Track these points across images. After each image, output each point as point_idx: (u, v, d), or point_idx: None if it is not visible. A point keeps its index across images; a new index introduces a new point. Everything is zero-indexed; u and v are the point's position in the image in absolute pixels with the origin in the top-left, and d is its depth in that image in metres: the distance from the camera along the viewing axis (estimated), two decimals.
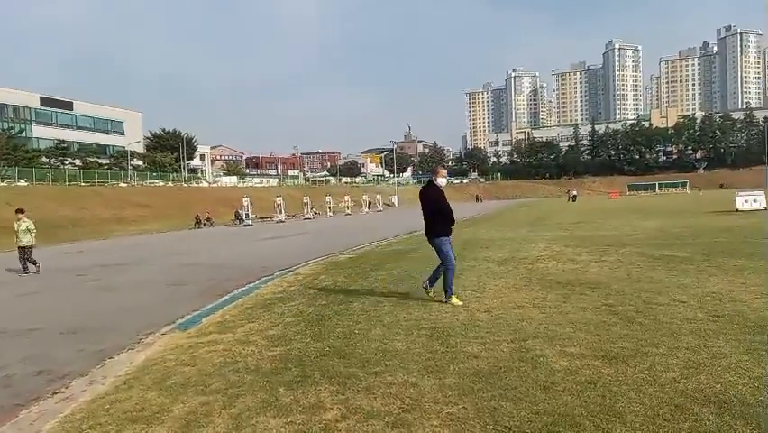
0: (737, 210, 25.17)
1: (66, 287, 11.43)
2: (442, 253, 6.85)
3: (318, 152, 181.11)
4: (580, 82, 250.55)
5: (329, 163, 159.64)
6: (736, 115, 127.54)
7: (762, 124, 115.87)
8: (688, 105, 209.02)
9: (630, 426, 3.11)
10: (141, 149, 78.77)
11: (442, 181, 7.09)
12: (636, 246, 12.37)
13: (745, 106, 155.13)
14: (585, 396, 3.58)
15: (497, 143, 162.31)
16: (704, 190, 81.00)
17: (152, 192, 53.21)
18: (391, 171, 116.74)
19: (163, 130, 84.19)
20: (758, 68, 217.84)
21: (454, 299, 6.82)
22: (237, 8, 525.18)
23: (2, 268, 15.81)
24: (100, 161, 70.02)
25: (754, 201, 26.07)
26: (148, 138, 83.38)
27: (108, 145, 77.72)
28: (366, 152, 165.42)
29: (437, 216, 6.92)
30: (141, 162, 74.22)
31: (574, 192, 69.30)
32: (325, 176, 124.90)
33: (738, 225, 17.11)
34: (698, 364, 4.08)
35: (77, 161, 66.53)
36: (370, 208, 61.85)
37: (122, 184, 58.22)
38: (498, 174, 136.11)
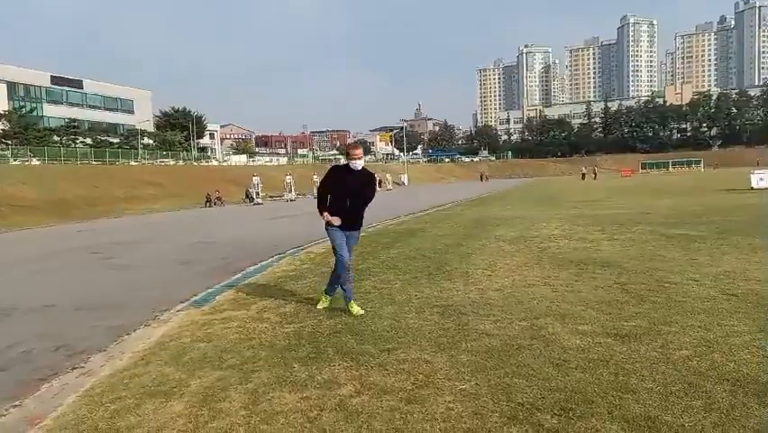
0: (752, 188, 24.88)
1: (80, 265, 11.57)
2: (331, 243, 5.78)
3: (327, 131, 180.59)
4: (594, 58, 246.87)
5: (338, 142, 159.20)
6: (752, 92, 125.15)
7: None
8: (704, 81, 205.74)
9: (643, 403, 3.13)
10: (150, 127, 78.93)
11: (357, 164, 5.61)
12: (649, 225, 12.30)
13: (762, 83, 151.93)
14: (597, 373, 3.60)
15: (508, 121, 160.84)
16: (719, 168, 79.97)
17: (163, 171, 53.42)
18: (401, 150, 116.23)
19: (173, 108, 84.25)
20: None
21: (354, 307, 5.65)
22: None
23: (18, 246, 16.04)
24: (111, 139, 70.32)
25: None
26: (158, 117, 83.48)
27: (118, 124, 77.92)
28: (375, 130, 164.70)
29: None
30: (151, 141, 74.43)
31: (592, 171, 68.76)
32: (335, 155, 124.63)
33: (752, 204, 16.93)
34: (711, 343, 4.08)
35: (88, 140, 66.83)
36: (380, 186, 61.77)
37: (132, 163, 58.48)
38: (509, 152, 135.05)
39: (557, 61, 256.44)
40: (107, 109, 78.21)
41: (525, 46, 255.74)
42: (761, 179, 25.77)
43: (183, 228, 20.37)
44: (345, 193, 5.63)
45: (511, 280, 6.82)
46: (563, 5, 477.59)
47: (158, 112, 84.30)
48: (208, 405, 3.45)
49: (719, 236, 9.82)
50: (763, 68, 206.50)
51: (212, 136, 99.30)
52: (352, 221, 5.73)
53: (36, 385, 4.09)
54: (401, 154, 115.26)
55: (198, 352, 4.60)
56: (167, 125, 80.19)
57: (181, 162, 66.58)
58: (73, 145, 62.27)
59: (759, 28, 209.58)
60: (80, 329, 5.86)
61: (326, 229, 5.75)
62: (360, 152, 5.72)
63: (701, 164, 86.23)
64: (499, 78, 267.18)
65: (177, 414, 3.35)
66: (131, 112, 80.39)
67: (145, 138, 73.42)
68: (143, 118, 76.93)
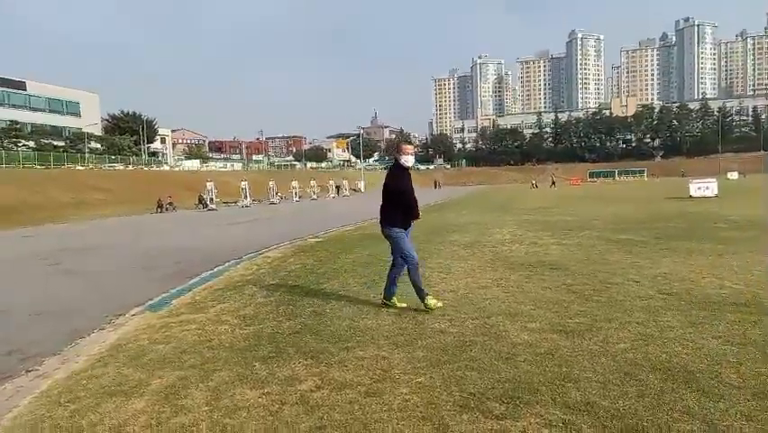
0: (691, 197, 26.27)
1: (29, 271, 11.19)
2: (397, 248, 5.65)
3: (283, 137, 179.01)
4: (545, 70, 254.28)
5: (294, 148, 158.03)
6: (692, 105, 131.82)
7: (716, 114, 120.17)
8: (647, 94, 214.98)
9: (583, 390, 3.38)
10: (98, 131, 76.31)
11: (407, 160, 5.69)
12: (595, 230, 12.88)
13: (701, 96, 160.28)
14: (543, 365, 3.85)
15: (462, 130, 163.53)
16: (660, 177, 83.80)
17: (112, 176, 51.83)
18: (358, 157, 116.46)
19: (122, 112, 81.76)
20: (714, 59, 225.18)
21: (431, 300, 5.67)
22: None
23: None
24: (55, 143, 67.48)
25: (707, 188, 27.24)
26: (106, 120, 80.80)
27: (64, 127, 74.79)
28: (332, 137, 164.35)
29: (393, 202, 5.66)
30: (99, 145, 71.93)
31: (551, 179, 70.71)
32: (291, 161, 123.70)
33: (691, 211, 17.90)
34: (647, 337, 4.41)
35: (32, 143, 64.03)
36: (338, 193, 61.77)
37: (79, 167, 56.40)
38: (464, 161, 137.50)
39: (509, 73, 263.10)
40: (52, 112, 74.99)
41: (479, 57, 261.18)
42: (698, 188, 27.25)
43: (135, 234, 19.87)
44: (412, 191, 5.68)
45: (465, 283, 7.07)
46: (516, 18, 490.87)
47: (106, 115, 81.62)
48: (170, 402, 3.50)
49: (659, 241, 10.41)
50: (702, 82, 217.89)
51: (163, 141, 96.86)
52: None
53: None
54: (358, 161, 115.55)
55: (157, 353, 4.61)
56: (116, 129, 77.72)
57: (131, 167, 64.69)
58: (15, 149, 59.52)
59: (698, 45, 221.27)
60: (33, 334, 5.74)
61: (394, 237, 5.64)
62: (412, 147, 5.90)
63: (645, 174, 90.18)
64: (455, 88, 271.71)
65: (138, 411, 3.39)
66: (77, 115, 77.44)
67: (93, 142, 70.91)
68: (91, 121, 74.26)
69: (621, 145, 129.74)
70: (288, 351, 4.47)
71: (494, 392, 3.41)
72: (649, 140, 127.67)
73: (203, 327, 5.38)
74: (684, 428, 2.86)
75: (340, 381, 3.74)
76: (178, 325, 5.57)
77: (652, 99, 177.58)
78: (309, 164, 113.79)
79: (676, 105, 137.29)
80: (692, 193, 26.85)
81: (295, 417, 3.20)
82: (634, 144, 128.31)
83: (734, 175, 69.37)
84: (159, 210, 38.38)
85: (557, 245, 10.47)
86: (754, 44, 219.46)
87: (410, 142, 5.91)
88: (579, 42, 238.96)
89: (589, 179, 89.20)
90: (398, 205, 5.64)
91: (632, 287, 6.35)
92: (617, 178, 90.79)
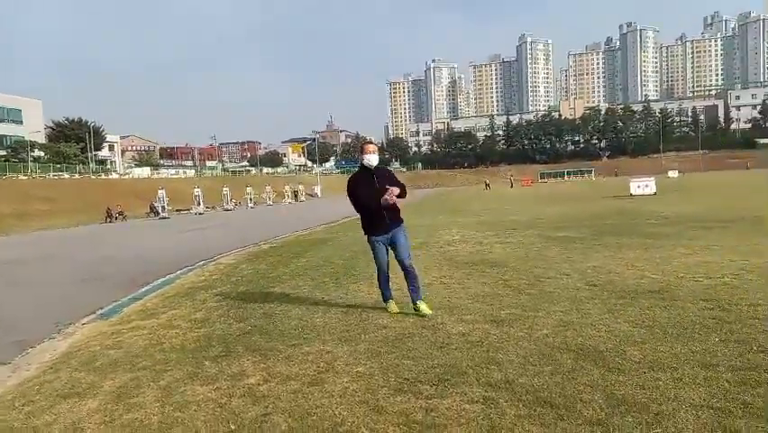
0: (631, 195, 27.62)
1: None
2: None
3: (237, 142, 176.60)
4: (496, 74, 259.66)
5: (249, 153, 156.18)
6: (635, 107, 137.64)
7: (658, 115, 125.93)
8: (594, 96, 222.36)
9: (504, 371, 3.77)
10: (42, 139, 73.48)
11: (369, 159, 5.47)
12: (538, 229, 13.53)
13: (644, 99, 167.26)
14: (472, 352, 4.23)
15: (417, 133, 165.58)
16: (606, 177, 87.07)
17: (57, 185, 50.04)
18: (314, 161, 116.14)
19: (67, 119, 78.90)
20: (656, 62, 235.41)
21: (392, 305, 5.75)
22: None
23: None
24: None
25: (646, 186, 28.72)
26: (50, 128, 77.85)
27: (5, 135, 71.79)
28: (287, 141, 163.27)
29: (355, 207, 5.65)
30: (42, 153, 69.28)
31: (509, 180, 72.52)
32: (245, 166, 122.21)
33: (629, 209, 18.92)
34: (567, 323, 4.86)
35: None
36: (296, 199, 61.52)
37: (21, 177, 54.24)
38: (419, 164, 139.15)
39: (462, 76, 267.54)
40: None
41: (433, 61, 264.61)
42: (638, 187, 28.69)
43: (83, 245, 19.45)
44: (374, 194, 5.37)
45: None
46: (468, 23, 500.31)
47: (50, 122, 78.64)
48: (123, 401, 3.70)
49: (594, 237, 11.09)
50: (645, 85, 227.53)
51: (111, 148, 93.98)
52: (392, 217, 5.55)
53: None
54: (314, 166, 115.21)
55: (109, 358, 4.77)
56: (60, 137, 74.98)
57: (77, 176, 62.60)
58: None
59: (640, 49, 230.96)
60: None
61: (369, 245, 5.67)
62: (373, 146, 5.60)
63: (593, 173, 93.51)
64: (409, 91, 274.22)
65: (92, 410, 3.57)
66: (19, 122, 74.35)
67: (36, 150, 68.22)
68: (33, 129, 71.47)
69: (570, 147, 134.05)
70: (238, 350, 4.70)
71: (426, 376, 3.76)
72: (596, 141, 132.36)
73: (154, 332, 5.54)
74: (587, 398, 3.27)
75: (286, 374, 4.02)
76: (130, 331, 5.71)
77: (598, 101, 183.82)
78: (265, 170, 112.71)
79: (621, 107, 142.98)
80: (633, 192, 28.23)
81: (243, 407, 3.46)
82: (582, 145, 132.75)
83: (674, 174, 72.86)
84: (108, 220, 37.43)
85: (500, 244, 11.00)
86: (692, 48, 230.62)
87: (372, 142, 5.84)
88: (528, 46, 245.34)
89: (540, 180, 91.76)
90: (358, 209, 5.61)
91: (562, 280, 6.86)
92: (566, 178, 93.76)
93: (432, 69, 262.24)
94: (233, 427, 3.19)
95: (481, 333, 4.72)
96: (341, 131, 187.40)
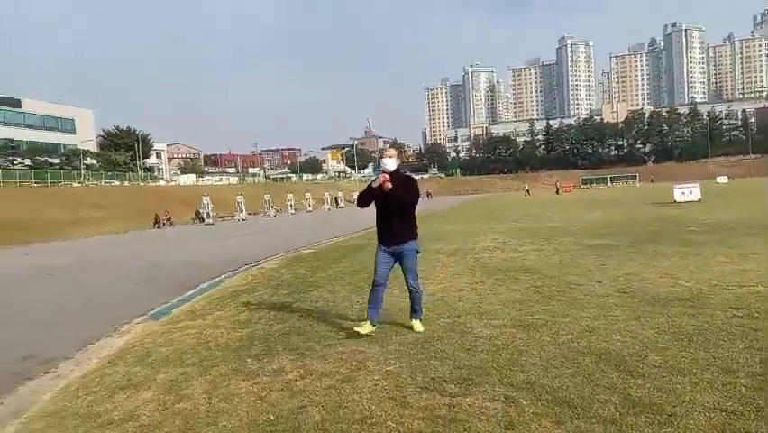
0: (675, 201, 26.98)
1: (33, 285, 11.72)
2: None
3: (278, 149, 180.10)
4: (536, 77, 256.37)
5: (290, 160, 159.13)
6: (681, 110, 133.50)
7: (706, 118, 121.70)
8: (637, 99, 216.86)
9: (527, 373, 3.97)
10: (94, 147, 76.98)
11: (386, 163, 5.28)
12: (575, 236, 13.50)
13: (690, 101, 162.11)
14: (498, 354, 4.43)
15: (455, 139, 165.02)
16: (652, 183, 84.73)
17: (108, 192, 52.40)
18: (352, 168, 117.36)
19: (117, 128, 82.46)
20: (703, 63, 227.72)
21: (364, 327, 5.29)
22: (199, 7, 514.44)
23: None
24: (51, 160, 68.12)
25: (690, 193, 27.98)
26: (101, 136, 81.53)
27: (59, 144, 75.47)
28: (327, 148, 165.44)
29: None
30: (94, 161, 72.57)
31: (555, 186, 71.20)
32: (286, 173, 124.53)
33: (671, 216, 18.57)
34: (593, 329, 5.00)
35: (28, 161, 64.61)
36: (337, 205, 62.32)
37: (75, 184, 56.96)
38: (458, 169, 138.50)
39: (501, 81, 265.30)
40: (47, 129, 75.63)
41: (471, 66, 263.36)
42: (682, 193, 27.99)
43: (134, 250, 20.42)
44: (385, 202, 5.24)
45: (443, 287, 7.66)
46: (506, 26, 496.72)
47: (101, 131, 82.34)
48: (174, 393, 4.08)
49: (631, 245, 11.03)
50: (691, 86, 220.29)
51: (158, 156, 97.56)
52: (400, 230, 5.35)
53: (14, 388, 4.58)
54: (353, 172, 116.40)
55: (161, 354, 5.19)
56: (111, 145, 78.43)
57: (127, 183, 65.28)
58: (11, 167, 60.06)
59: (686, 49, 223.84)
60: (46, 341, 6.30)
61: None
62: (393, 151, 5.46)
63: (637, 179, 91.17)
64: (447, 97, 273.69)
65: (147, 400, 3.96)
66: (72, 131, 78.08)
67: (88, 158, 71.55)
68: (86, 138, 74.98)
69: (613, 151, 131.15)
70: (277, 348, 5.04)
71: (452, 376, 3.99)
72: (640, 145, 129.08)
73: (201, 332, 5.95)
74: (603, 399, 3.43)
75: (321, 371, 4.32)
76: (179, 330, 6.14)
77: (642, 104, 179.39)
78: (305, 176, 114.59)
79: (666, 110, 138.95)
80: (677, 198, 27.55)
81: (281, 400, 3.77)
82: (625, 150, 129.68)
83: (723, 179, 70.42)
84: (156, 226, 38.91)
85: (535, 251, 11.07)
86: (741, 47, 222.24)
87: (395, 147, 5.91)
88: (569, 49, 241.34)
89: (582, 186, 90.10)
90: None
91: (593, 287, 6.95)
92: (609, 184, 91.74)
93: (470, 74, 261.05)
94: (271, 417, 3.50)
95: (508, 337, 4.91)
96: (378, 137, 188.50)
